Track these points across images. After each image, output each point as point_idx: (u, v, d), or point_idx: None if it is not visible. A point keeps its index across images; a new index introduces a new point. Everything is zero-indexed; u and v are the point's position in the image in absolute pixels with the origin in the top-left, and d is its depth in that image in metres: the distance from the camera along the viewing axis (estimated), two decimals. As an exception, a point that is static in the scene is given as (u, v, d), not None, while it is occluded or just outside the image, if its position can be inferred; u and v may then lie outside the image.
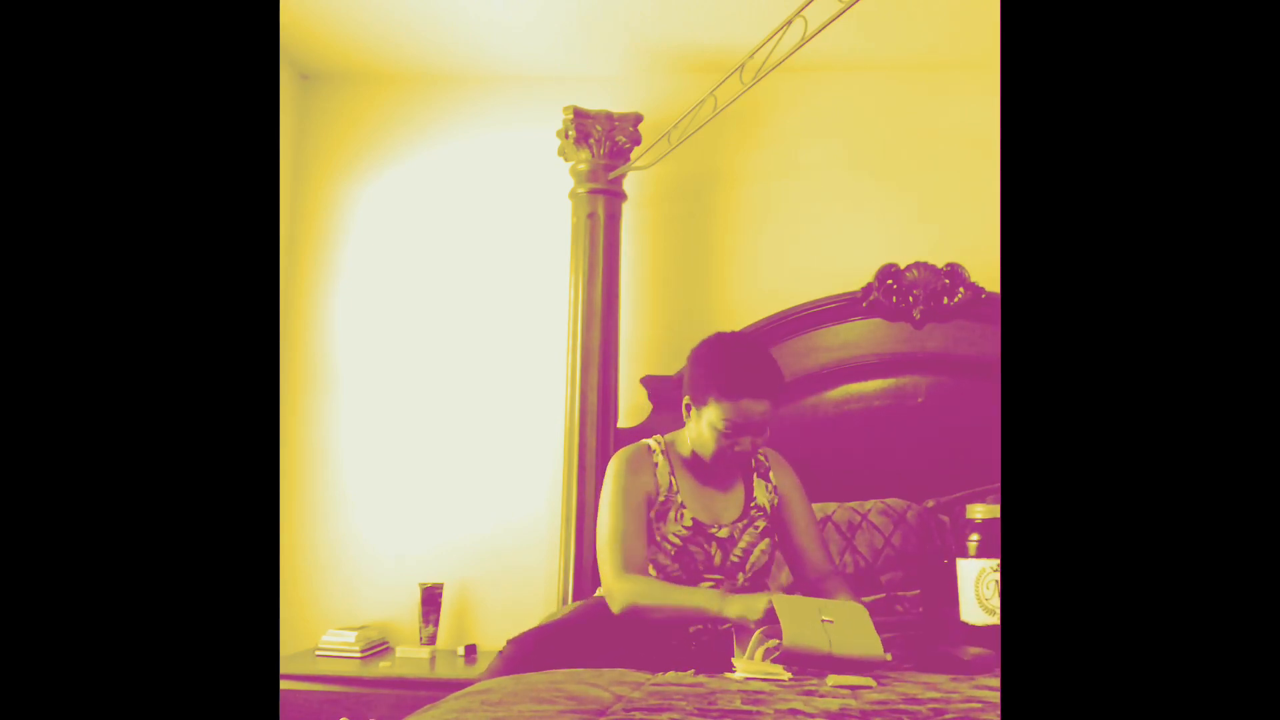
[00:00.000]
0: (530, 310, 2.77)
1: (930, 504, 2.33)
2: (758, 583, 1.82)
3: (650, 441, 1.88)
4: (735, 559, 1.79)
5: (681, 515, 1.78)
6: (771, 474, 1.89)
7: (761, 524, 1.83)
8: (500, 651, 1.62)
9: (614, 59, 2.78)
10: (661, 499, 1.79)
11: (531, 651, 1.59)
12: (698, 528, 1.77)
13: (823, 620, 1.55)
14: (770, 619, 1.52)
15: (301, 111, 2.91)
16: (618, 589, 1.68)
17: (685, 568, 1.75)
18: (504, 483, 2.70)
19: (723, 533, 1.79)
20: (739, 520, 1.81)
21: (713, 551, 1.77)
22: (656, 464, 1.83)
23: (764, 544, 1.82)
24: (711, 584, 1.76)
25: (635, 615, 1.66)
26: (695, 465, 1.84)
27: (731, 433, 1.72)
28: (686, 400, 1.81)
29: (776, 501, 1.87)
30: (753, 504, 1.84)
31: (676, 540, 1.77)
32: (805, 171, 2.78)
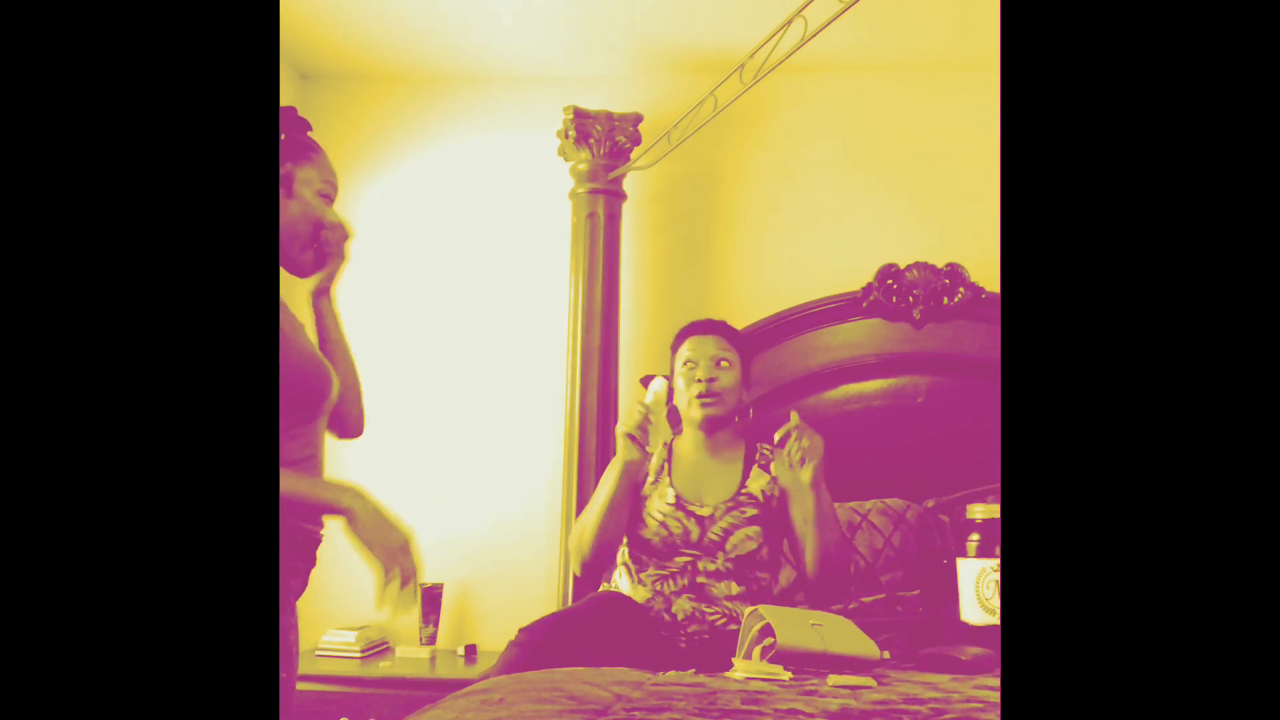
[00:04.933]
0: (530, 310, 2.77)
1: (930, 504, 2.33)
2: (743, 569, 1.83)
3: None
4: (714, 537, 1.83)
5: (667, 493, 1.87)
6: (773, 467, 1.93)
7: (750, 511, 1.86)
8: (512, 640, 1.65)
9: (614, 59, 2.78)
10: (653, 479, 1.90)
11: (544, 639, 1.62)
12: (679, 503, 1.86)
13: (812, 625, 1.58)
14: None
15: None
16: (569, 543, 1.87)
17: (665, 541, 1.83)
18: (504, 483, 2.70)
19: (704, 510, 1.85)
20: (725, 502, 1.87)
21: (690, 527, 1.84)
22: (652, 452, 1.92)
23: (750, 530, 1.84)
24: (688, 559, 1.82)
25: (580, 547, 1.82)
26: (691, 449, 1.95)
27: (694, 367, 1.91)
28: (672, 387, 1.96)
29: (776, 494, 1.90)
30: (744, 490, 1.89)
31: (659, 515, 1.85)
32: (805, 171, 2.78)
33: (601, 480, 1.84)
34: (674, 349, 2.00)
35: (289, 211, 1.42)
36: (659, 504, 1.86)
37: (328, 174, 1.48)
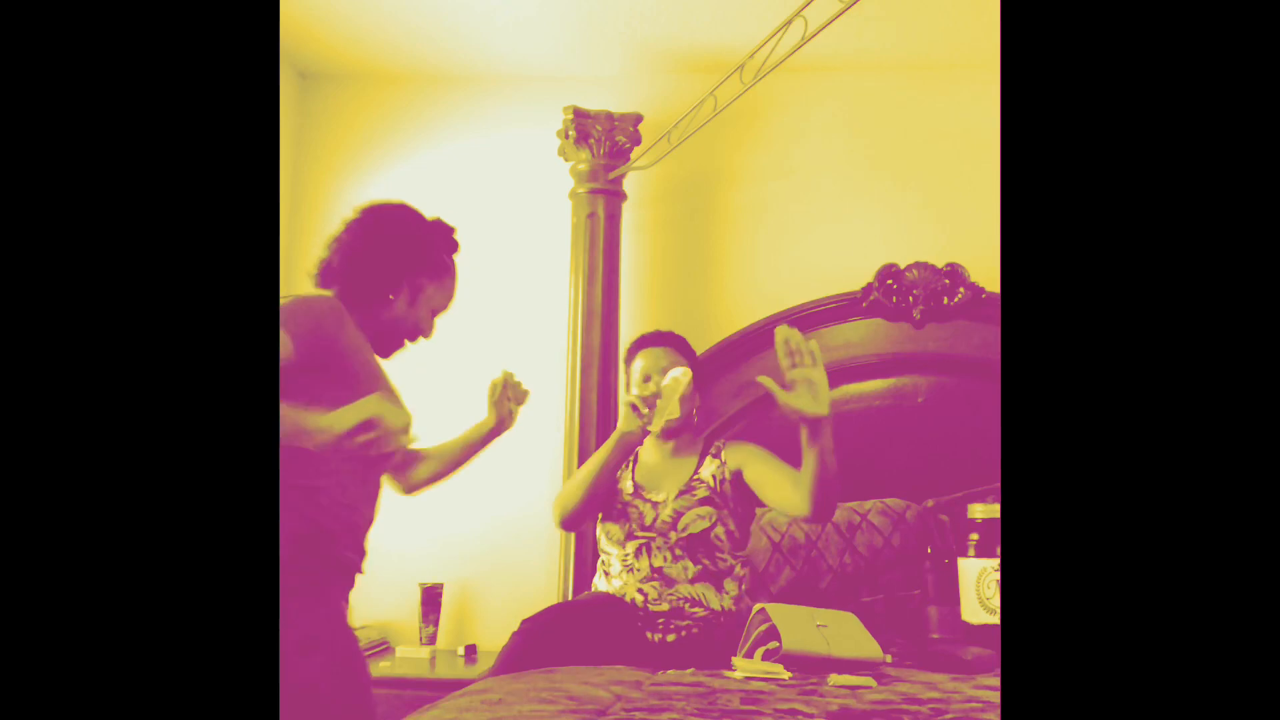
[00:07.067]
0: (530, 310, 2.76)
1: (930, 504, 2.33)
2: (694, 546, 1.91)
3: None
4: (666, 519, 1.92)
5: (628, 484, 2.01)
6: (724, 454, 2.02)
7: (701, 493, 1.96)
8: (515, 632, 1.74)
9: (614, 59, 2.78)
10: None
11: (546, 627, 1.72)
12: (637, 490, 1.99)
13: (818, 625, 1.58)
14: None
15: (301, 111, 2.91)
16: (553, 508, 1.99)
17: (624, 528, 1.96)
18: (504, 483, 2.70)
19: (658, 496, 1.97)
20: (678, 488, 1.98)
21: (644, 510, 1.95)
22: (651, 431, 2.02)
23: (701, 510, 1.94)
24: (643, 541, 1.92)
25: (564, 505, 1.94)
26: (651, 449, 2.06)
27: (649, 381, 2.00)
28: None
29: (727, 477, 1.98)
30: (695, 477, 1.99)
31: (619, 505, 2.00)
32: (805, 171, 2.78)
33: (599, 449, 1.96)
34: (628, 361, 2.10)
35: (400, 313, 1.55)
36: (620, 496, 2.00)
37: (448, 297, 1.63)
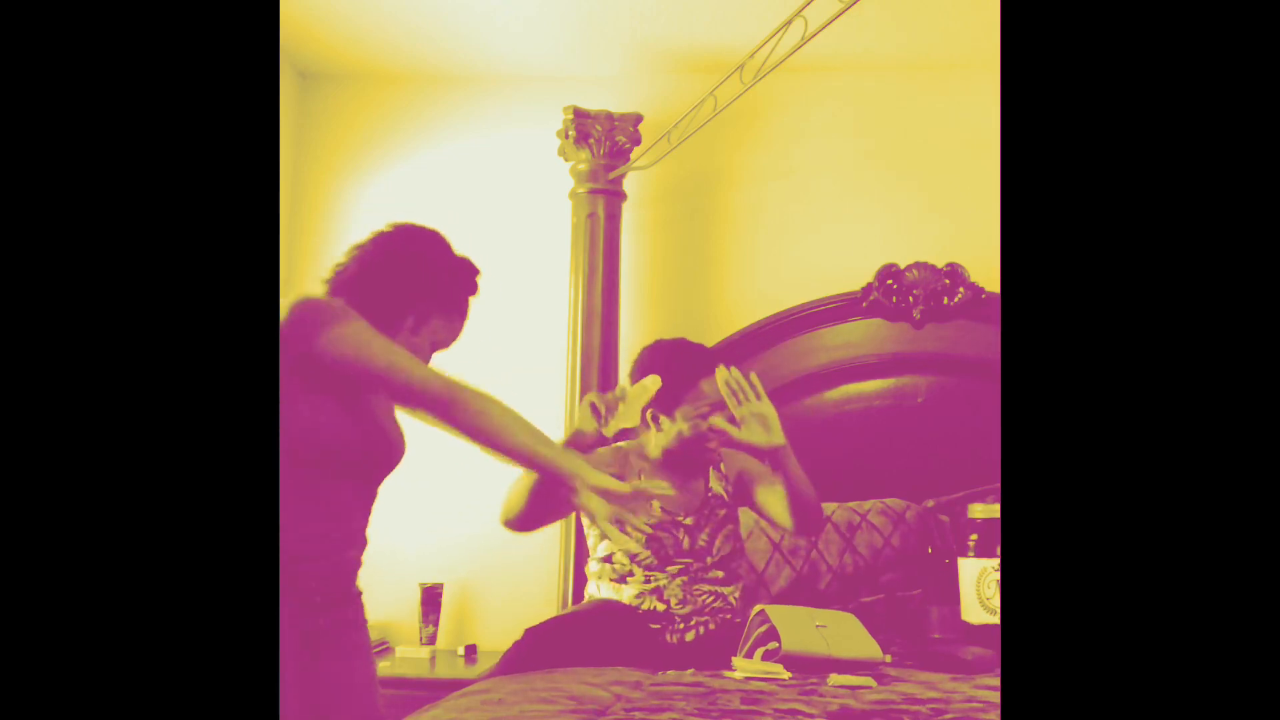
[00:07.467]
0: (530, 310, 2.76)
1: (930, 504, 2.33)
2: (727, 568, 1.89)
3: (622, 444, 1.98)
4: (702, 543, 1.86)
5: (653, 506, 1.86)
6: (722, 465, 1.98)
7: (721, 512, 1.91)
8: (516, 641, 1.70)
9: (614, 59, 2.78)
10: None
11: (548, 638, 1.68)
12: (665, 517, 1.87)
13: (817, 626, 1.58)
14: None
15: (301, 111, 2.91)
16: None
17: (657, 554, 1.84)
18: (504, 483, 2.70)
19: (688, 520, 1.87)
20: (702, 509, 1.90)
21: (680, 537, 1.86)
22: (629, 460, 1.94)
23: (726, 530, 1.90)
24: (681, 567, 1.83)
25: (510, 505, 1.78)
26: (662, 463, 1.92)
27: (710, 412, 1.83)
28: (651, 411, 1.88)
29: (730, 487, 1.95)
30: (710, 494, 1.92)
31: (647, 529, 1.82)
32: (805, 171, 2.78)
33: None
34: (690, 378, 1.85)
35: (401, 340, 1.49)
36: (645, 520, 1.84)
37: (453, 336, 1.59)
